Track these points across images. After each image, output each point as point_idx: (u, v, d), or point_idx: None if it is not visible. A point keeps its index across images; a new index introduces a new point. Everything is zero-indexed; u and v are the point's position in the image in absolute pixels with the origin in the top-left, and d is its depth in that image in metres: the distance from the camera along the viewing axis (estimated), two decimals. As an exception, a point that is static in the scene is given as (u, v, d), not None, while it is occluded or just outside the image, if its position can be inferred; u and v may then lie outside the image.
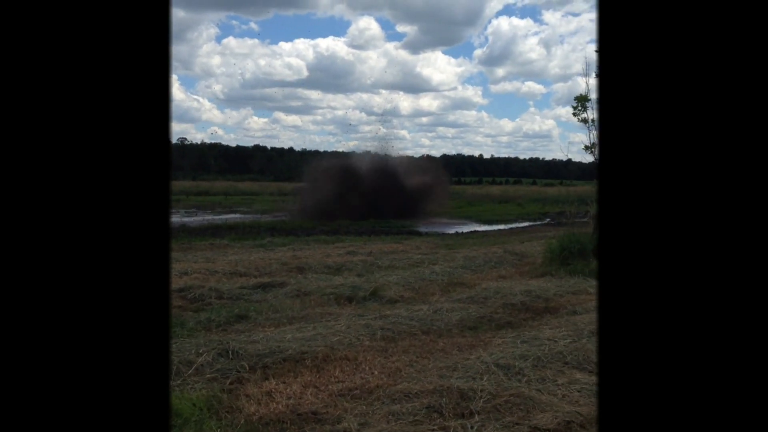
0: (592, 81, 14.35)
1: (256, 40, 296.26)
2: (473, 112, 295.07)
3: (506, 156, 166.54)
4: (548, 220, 30.14)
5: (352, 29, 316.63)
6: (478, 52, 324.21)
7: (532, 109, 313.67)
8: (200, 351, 5.72)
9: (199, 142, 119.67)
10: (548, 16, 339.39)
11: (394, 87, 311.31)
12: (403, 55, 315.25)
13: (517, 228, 26.02)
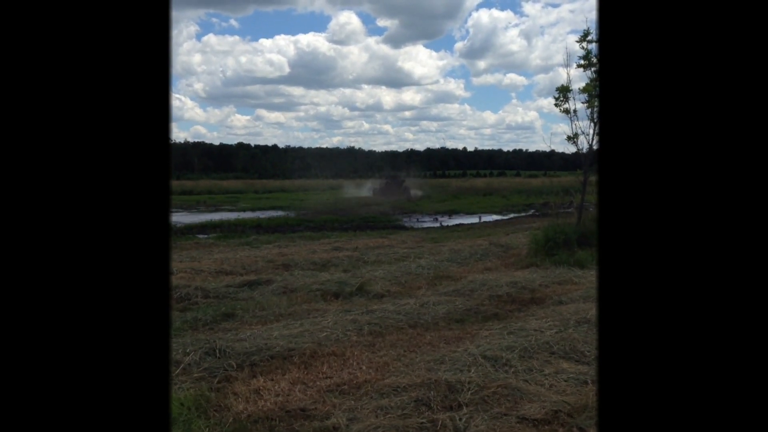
0: (574, 71, 14.41)
1: (236, 37, 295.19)
2: (456, 105, 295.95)
3: (490, 148, 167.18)
4: (533, 211, 30.23)
5: (333, 24, 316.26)
6: (459, 45, 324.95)
7: (514, 101, 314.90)
8: (187, 350, 5.70)
9: (182, 141, 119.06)
10: (528, 7, 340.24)
11: (376, 82, 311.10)
12: (385, 49, 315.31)
13: (502, 220, 26.09)
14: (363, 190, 48.29)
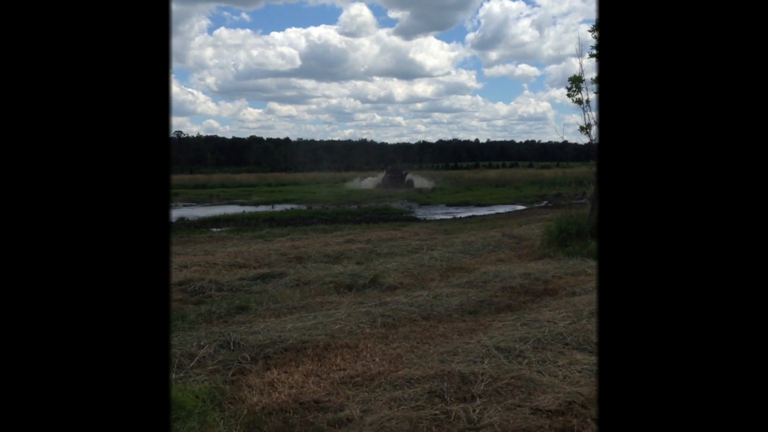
0: (586, 61, 14.31)
1: (248, 31, 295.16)
2: (468, 97, 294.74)
3: (502, 140, 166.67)
4: (546, 202, 30.11)
5: (344, 16, 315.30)
6: (470, 36, 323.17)
7: (526, 92, 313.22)
8: (202, 343, 5.73)
9: (195, 135, 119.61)
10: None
11: (387, 74, 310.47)
12: (396, 41, 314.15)
13: (515, 211, 26.01)
14: (368, 183, 51.87)
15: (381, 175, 51.55)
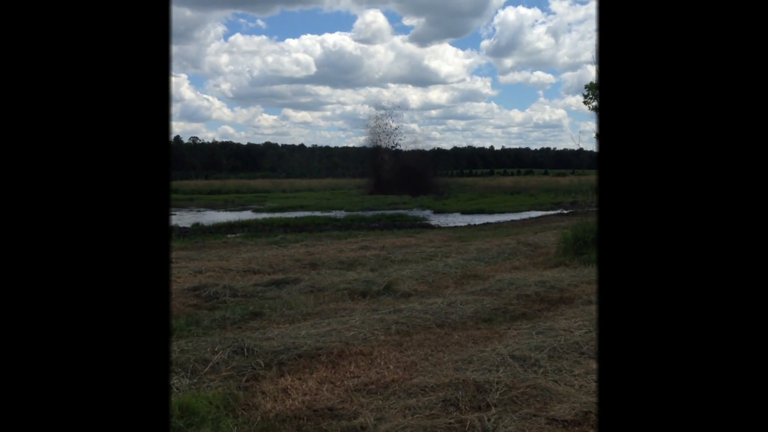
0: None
1: (263, 37, 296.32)
2: (483, 104, 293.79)
3: (517, 147, 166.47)
4: (561, 209, 30.02)
5: (359, 23, 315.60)
6: (485, 43, 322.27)
7: (541, 99, 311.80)
8: (216, 349, 5.74)
9: (210, 141, 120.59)
10: (555, 4, 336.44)
11: (402, 80, 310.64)
12: (411, 48, 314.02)
13: (530, 219, 25.92)
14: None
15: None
